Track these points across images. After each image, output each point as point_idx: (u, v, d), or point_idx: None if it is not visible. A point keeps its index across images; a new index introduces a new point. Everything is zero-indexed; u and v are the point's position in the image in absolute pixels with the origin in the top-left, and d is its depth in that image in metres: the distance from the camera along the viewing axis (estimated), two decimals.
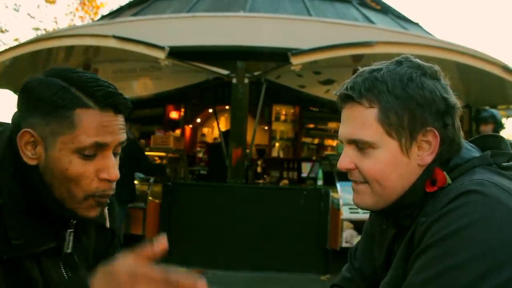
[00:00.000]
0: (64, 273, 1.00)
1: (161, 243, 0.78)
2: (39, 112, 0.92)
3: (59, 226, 1.00)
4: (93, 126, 0.92)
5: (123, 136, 0.98)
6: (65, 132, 0.92)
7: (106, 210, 1.12)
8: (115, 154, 0.99)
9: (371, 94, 0.97)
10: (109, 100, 0.94)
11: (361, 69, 1.03)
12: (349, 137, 1.00)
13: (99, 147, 0.94)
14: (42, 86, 0.93)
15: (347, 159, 1.01)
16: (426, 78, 0.97)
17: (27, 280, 0.91)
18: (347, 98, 1.00)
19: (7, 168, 0.94)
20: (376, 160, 0.98)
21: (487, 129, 4.83)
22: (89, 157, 0.93)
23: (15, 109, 0.98)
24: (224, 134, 7.38)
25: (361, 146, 0.99)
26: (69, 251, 1.00)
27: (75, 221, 1.00)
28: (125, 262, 0.76)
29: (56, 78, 0.94)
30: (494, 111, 5.27)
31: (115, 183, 0.98)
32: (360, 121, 0.98)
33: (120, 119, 0.97)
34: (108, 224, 1.13)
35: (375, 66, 1.02)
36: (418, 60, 1.02)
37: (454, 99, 0.99)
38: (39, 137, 0.93)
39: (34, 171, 0.94)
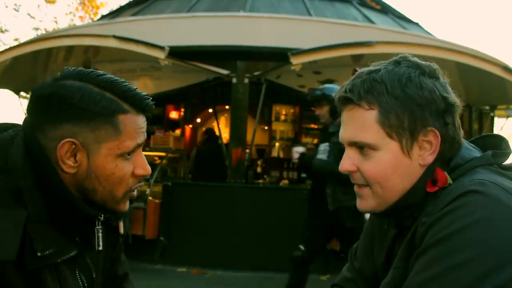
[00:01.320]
0: (80, 281, 1.01)
1: None
2: (81, 120, 0.93)
3: (83, 229, 1.01)
4: (133, 130, 0.98)
5: (145, 134, 1.04)
6: (112, 138, 0.96)
7: (121, 222, 1.14)
8: None
9: (370, 96, 0.97)
10: (143, 105, 1.00)
11: (359, 71, 1.02)
12: (350, 140, 1.00)
13: (136, 148, 1.00)
14: (80, 94, 0.93)
15: (348, 162, 1.01)
16: (425, 77, 0.97)
17: None
18: (346, 101, 1.00)
19: (29, 177, 0.92)
20: (377, 162, 0.97)
21: (322, 112, 3.78)
22: (129, 157, 0.99)
23: (31, 113, 0.97)
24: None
25: (362, 147, 0.98)
26: (100, 248, 1.03)
27: (102, 218, 1.03)
28: None
29: (84, 82, 0.95)
30: (328, 86, 3.92)
31: None
32: (360, 123, 0.98)
33: (145, 119, 1.03)
34: (122, 229, 1.15)
35: (373, 67, 1.01)
36: (416, 59, 1.01)
37: (453, 97, 0.99)
38: (81, 144, 0.94)
39: (60, 179, 0.94)
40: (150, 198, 6.30)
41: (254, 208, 6.25)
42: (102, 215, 1.02)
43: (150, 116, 1.04)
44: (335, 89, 3.72)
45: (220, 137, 7.80)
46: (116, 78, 0.99)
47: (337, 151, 3.58)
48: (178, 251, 6.22)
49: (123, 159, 0.98)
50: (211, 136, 7.86)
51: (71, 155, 0.94)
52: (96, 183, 0.97)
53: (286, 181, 8.14)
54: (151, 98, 1.03)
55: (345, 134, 1.02)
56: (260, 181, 8.31)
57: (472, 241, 0.84)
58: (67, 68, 0.99)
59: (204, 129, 8.70)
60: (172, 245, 6.23)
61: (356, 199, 1.04)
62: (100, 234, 1.03)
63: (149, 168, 1.03)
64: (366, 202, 1.02)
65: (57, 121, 0.93)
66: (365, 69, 1.02)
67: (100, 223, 1.02)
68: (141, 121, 1.01)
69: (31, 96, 0.98)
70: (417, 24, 10.27)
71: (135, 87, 1.01)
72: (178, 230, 6.28)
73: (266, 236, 6.14)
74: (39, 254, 0.88)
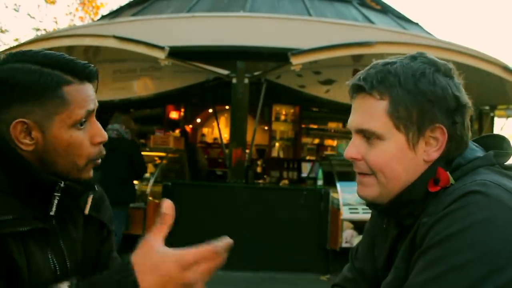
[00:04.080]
0: (51, 262, 1.00)
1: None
2: (28, 99, 0.96)
3: (44, 198, 1.01)
4: (81, 98, 1.00)
5: (96, 101, 1.06)
6: (61, 110, 0.98)
7: (89, 198, 1.13)
8: None
9: (382, 87, 0.97)
10: (86, 73, 1.02)
11: (374, 62, 1.03)
12: (357, 127, 1.01)
13: (87, 115, 1.02)
14: (20, 74, 0.96)
15: (354, 149, 1.01)
16: (439, 74, 0.97)
17: (9, 260, 0.91)
18: (358, 89, 1.01)
19: None
20: (382, 152, 0.98)
21: None
22: (82, 126, 1.01)
23: None
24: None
25: (369, 136, 0.99)
26: (52, 213, 1.01)
27: (63, 185, 1.01)
28: (170, 253, 0.82)
29: (21, 63, 0.98)
30: None
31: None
32: (370, 112, 0.98)
33: (91, 87, 1.05)
34: (87, 210, 1.13)
35: (389, 59, 1.02)
36: (432, 57, 1.02)
37: (465, 98, 0.99)
38: (33, 122, 0.97)
39: (17, 153, 0.97)
40: (150, 198, 6.30)
41: (254, 208, 6.26)
42: (62, 182, 1.01)
43: (96, 83, 1.06)
44: None
45: (220, 137, 7.81)
46: (54, 52, 1.02)
47: None
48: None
49: (76, 129, 1.00)
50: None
51: (26, 134, 0.97)
52: (55, 155, 0.99)
53: (286, 181, 8.14)
54: (93, 65, 1.04)
55: (353, 120, 1.02)
56: (260, 181, 8.31)
57: (473, 242, 0.84)
58: (3, 53, 1.03)
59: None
60: (172, 245, 6.22)
61: None
62: (56, 201, 1.02)
63: (105, 134, 1.05)
64: (368, 190, 1.02)
65: (5, 105, 0.96)
66: (381, 60, 1.03)
67: (60, 190, 1.01)
68: (88, 89, 1.03)
69: None
70: (417, 24, 10.27)
71: (75, 58, 1.02)
72: (178, 230, 6.26)
73: (266, 236, 6.14)
74: None
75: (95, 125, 1.04)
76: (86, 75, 1.02)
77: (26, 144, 0.97)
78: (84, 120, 1.01)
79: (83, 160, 1.02)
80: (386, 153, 0.97)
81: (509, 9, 43.05)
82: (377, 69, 0.99)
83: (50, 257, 1.00)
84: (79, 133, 1.01)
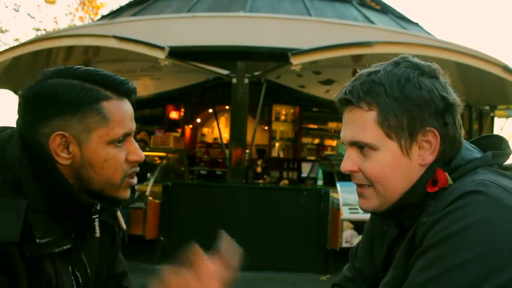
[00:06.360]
0: (73, 276, 1.02)
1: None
2: (67, 113, 0.97)
3: (80, 220, 1.03)
4: (121, 117, 1.01)
5: (134, 122, 1.06)
6: (100, 126, 0.98)
7: (118, 212, 1.15)
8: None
9: (369, 98, 0.97)
10: (124, 89, 1.02)
11: (359, 72, 1.03)
12: (350, 139, 1.01)
13: (125, 136, 1.02)
14: (61, 89, 0.97)
15: (350, 162, 1.01)
16: (424, 77, 0.97)
17: (45, 279, 0.94)
18: (346, 102, 1.01)
19: (27, 169, 0.96)
20: (377, 162, 0.98)
21: None
22: (120, 144, 1.02)
23: (22, 115, 1.00)
24: None
25: (362, 147, 0.99)
26: (97, 235, 1.04)
27: (99, 208, 1.04)
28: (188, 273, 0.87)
29: (64, 78, 0.99)
30: None
31: None
32: (360, 124, 0.99)
33: (130, 104, 1.04)
34: (122, 221, 1.17)
35: (373, 68, 1.02)
36: (416, 60, 1.01)
37: (453, 97, 0.99)
38: (71, 136, 0.97)
39: (57, 168, 0.98)
40: (150, 198, 6.30)
41: (254, 208, 6.26)
42: (98, 204, 1.03)
43: (133, 100, 1.06)
44: None
45: (220, 137, 7.81)
46: (92, 68, 1.03)
47: None
48: (178, 251, 6.22)
49: (114, 147, 1.00)
50: None
51: (64, 147, 0.98)
52: (91, 172, 0.99)
53: (286, 181, 8.14)
54: (130, 82, 1.05)
55: (345, 134, 1.03)
56: (260, 181, 8.31)
57: (473, 241, 0.84)
58: (46, 69, 1.03)
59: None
60: (172, 245, 6.23)
61: None
62: (97, 223, 1.04)
63: (141, 154, 1.05)
64: (369, 202, 1.02)
65: (46, 119, 0.97)
66: (365, 70, 1.02)
67: (96, 212, 1.03)
68: (127, 106, 1.03)
69: (19, 100, 1.02)
70: (417, 24, 10.28)
71: (113, 74, 1.03)
72: (178, 230, 6.28)
73: (266, 236, 6.14)
74: (37, 241, 0.91)
75: (132, 144, 1.04)
76: (125, 91, 1.03)
77: (63, 157, 0.98)
78: (122, 139, 1.01)
79: (119, 177, 1.02)
80: (381, 163, 0.98)
81: (509, 9, 43.03)
82: (362, 80, 0.99)
83: (72, 272, 1.02)
84: (116, 150, 1.01)
